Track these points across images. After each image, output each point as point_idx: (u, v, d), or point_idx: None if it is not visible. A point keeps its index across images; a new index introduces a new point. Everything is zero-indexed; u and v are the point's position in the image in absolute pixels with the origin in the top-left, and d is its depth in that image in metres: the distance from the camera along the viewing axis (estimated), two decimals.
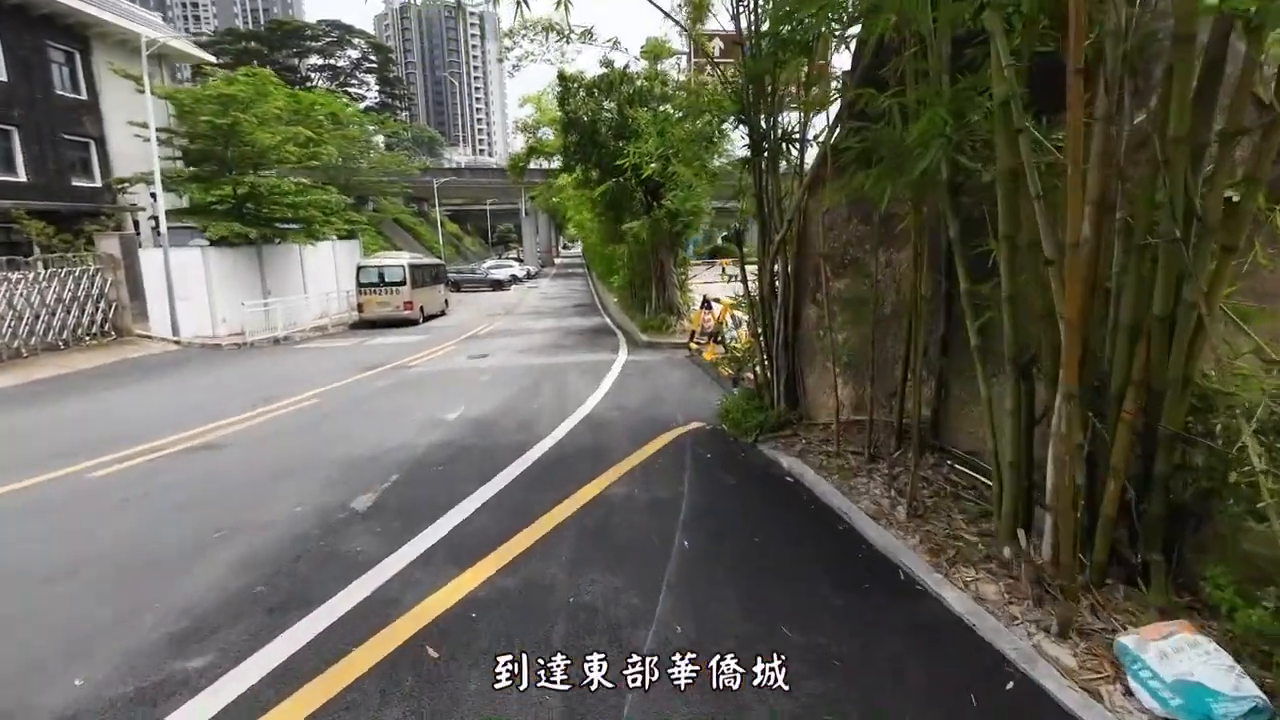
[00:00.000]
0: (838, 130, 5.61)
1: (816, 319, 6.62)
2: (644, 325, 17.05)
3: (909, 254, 5.37)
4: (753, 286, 7.28)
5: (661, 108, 14.63)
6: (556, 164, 22.76)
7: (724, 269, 30.88)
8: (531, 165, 28.09)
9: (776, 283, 6.89)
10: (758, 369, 7.34)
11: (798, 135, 6.62)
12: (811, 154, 6.80)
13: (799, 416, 6.83)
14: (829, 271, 6.23)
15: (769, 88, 6.45)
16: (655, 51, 16.78)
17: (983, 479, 4.73)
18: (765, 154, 6.68)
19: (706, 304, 14.67)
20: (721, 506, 5.02)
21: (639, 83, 15.51)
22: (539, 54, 20.71)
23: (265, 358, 16.75)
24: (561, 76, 15.84)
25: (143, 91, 23.09)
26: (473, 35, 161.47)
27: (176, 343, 19.19)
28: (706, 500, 5.13)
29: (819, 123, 6.46)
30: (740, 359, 8.03)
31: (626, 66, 15.63)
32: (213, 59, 32.01)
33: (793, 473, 5.64)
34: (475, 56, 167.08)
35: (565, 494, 5.33)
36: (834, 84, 5.91)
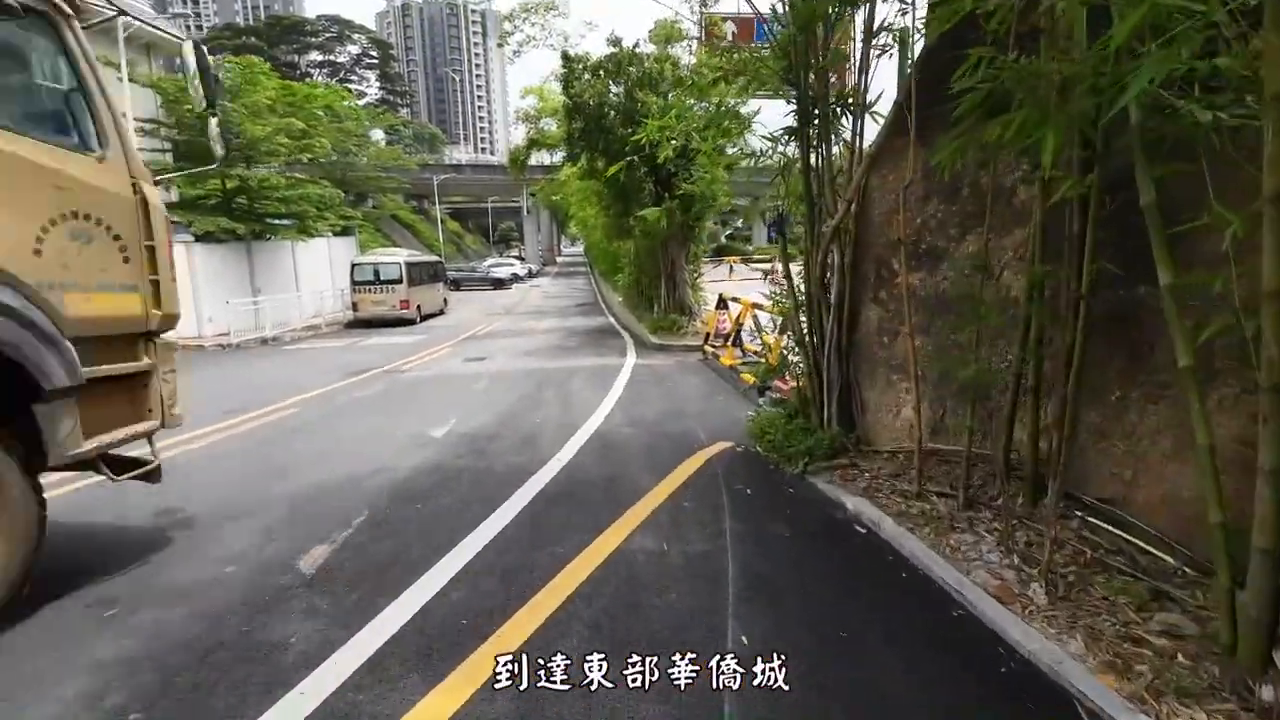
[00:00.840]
0: (912, 79, 4.42)
1: (878, 322, 5.43)
2: (653, 326, 15.86)
3: (1017, 239, 4.19)
4: (798, 283, 6.09)
5: (673, 94, 13.51)
6: (559, 158, 21.65)
7: (731, 266, 29.84)
8: (533, 161, 26.98)
9: (828, 278, 5.71)
10: (803, 382, 6.14)
11: (853, 99, 5.42)
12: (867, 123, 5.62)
13: (855, 441, 5.63)
14: (900, 263, 5.04)
15: (822, 38, 5.27)
16: (665, 34, 15.63)
17: (1130, 538, 3.53)
18: (815, 122, 5.49)
19: (722, 303, 13.49)
20: (780, 572, 3.81)
21: (648, 64, 14.33)
22: (540, 38, 19.59)
23: (249, 360, 15.61)
24: (565, 57, 14.67)
25: (131, 80, 21.96)
26: (475, 34, 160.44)
27: None
28: (758, 561, 3.93)
29: (877, 83, 5.26)
30: (774, 367, 6.84)
31: (635, 45, 14.45)
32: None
33: (863, 519, 4.43)
34: (477, 55, 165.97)
35: (575, 548, 4.13)
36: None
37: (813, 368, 5.90)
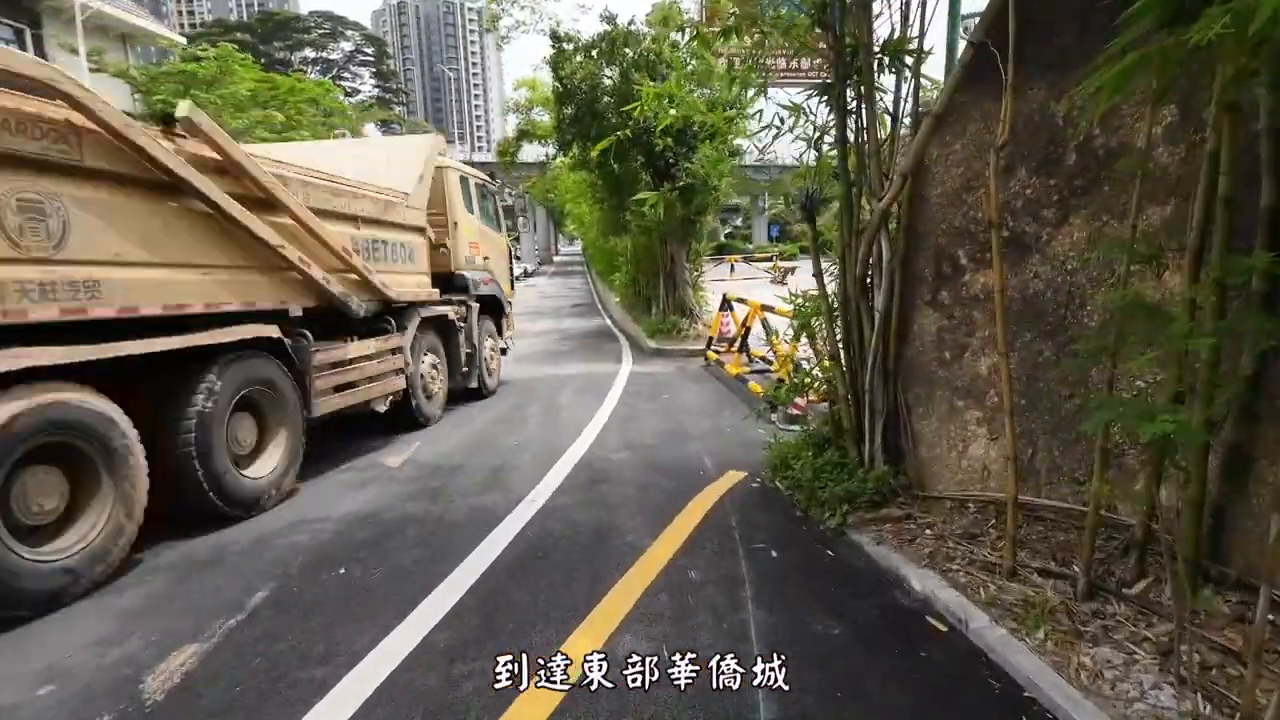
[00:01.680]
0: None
1: (938, 333, 4.23)
2: (651, 329, 14.64)
3: (1153, 221, 3.00)
4: (829, 283, 4.88)
5: (669, 77, 12.34)
6: (551, 151, 20.46)
7: (732, 265, 28.59)
8: (528, 157, 25.74)
9: (870, 277, 4.51)
10: (836, 405, 4.93)
11: (902, 47, 4.24)
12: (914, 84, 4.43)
13: (907, 484, 4.43)
14: (969, 257, 3.87)
15: None
16: (663, 16, 14.45)
17: None
18: (855, 77, 4.30)
19: (727, 305, 12.30)
20: (836, 709, 2.60)
21: (645, 43, 13.11)
22: (530, 23, 18.33)
23: None
24: (554, 36, 13.43)
25: (99, 70, 20.80)
26: (471, 33, 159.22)
27: None
28: (801, 685, 2.71)
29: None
30: (797, 385, 5.64)
31: (631, 22, 13.22)
32: (181, 39, 29.59)
33: (938, 608, 3.21)
34: (474, 54, 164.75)
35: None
36: None
37: (848, 389, 4.70)
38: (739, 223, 70.45)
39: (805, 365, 6.80)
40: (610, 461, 6.18)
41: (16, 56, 3.66)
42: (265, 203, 4.99)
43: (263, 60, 47.50)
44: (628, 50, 13.22)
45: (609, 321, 20.61)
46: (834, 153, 4.58)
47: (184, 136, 4.36)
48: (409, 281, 7.11)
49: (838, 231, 4.61)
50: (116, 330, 3.92)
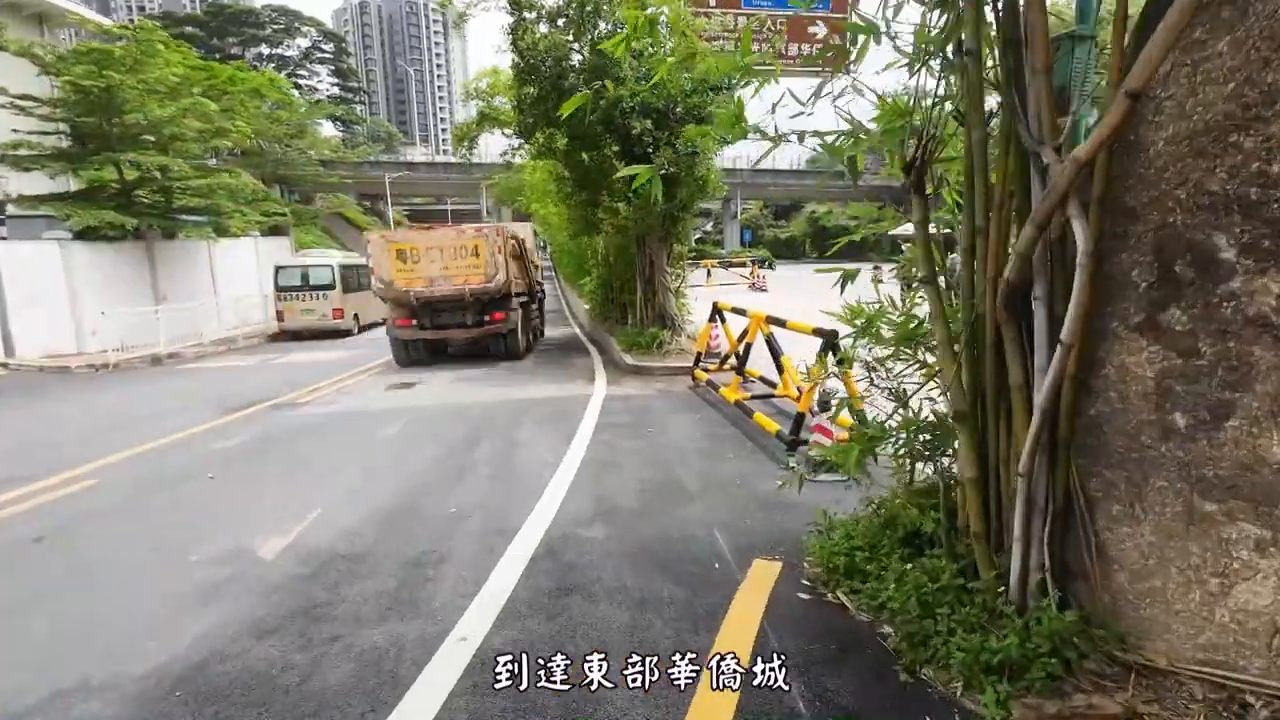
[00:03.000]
0: None
1: (1159, 380, 2.42)
2: (628, 342, 12.74)
3: None
4: (940, 287, 3.05)
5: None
6: (515, 142, 18.56)
7: (709, 270, 26.83)
8: (490, 157, 23.83)
9: (1029, 286, 2.68)
10: (967, 493, 3.06)
11: None
12: None
13: (1083, 630, 2.60)
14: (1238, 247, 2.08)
15: None
16: None
17: None
18: None
19: (717, 314, 10.50)
20: None
21: (619, 13, 11.26)
22: (491, 1, 16.40)
23: (114, 387, 12.20)
24: (513, 3, 11.48)
25: (1, 49, 18.34)
26: (435, 33, 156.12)
27: (4, 365, 14.42)
28: None
29: None
30: (867, 441, 3.75)
31: None
32: (106, 20, 26.99)
33: None
34: (438, 55, 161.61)
35: None
36: None
37: (976, 465, 2.86)
38: (709, 227, 68.91)
39: (827, 399, 5.02)
40: (583, 547, 4.28)
41: (519, 226, 16.04)
42: (529, 253, 15.11)
43: (216, 56, 44.70)
44: (600, 23, 11.39)
45: (578, 330, 18.82)
46: (953, 78, 2.76)
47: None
48: (536, 282, 15.90)
49: (964, 204, 2.78)
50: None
